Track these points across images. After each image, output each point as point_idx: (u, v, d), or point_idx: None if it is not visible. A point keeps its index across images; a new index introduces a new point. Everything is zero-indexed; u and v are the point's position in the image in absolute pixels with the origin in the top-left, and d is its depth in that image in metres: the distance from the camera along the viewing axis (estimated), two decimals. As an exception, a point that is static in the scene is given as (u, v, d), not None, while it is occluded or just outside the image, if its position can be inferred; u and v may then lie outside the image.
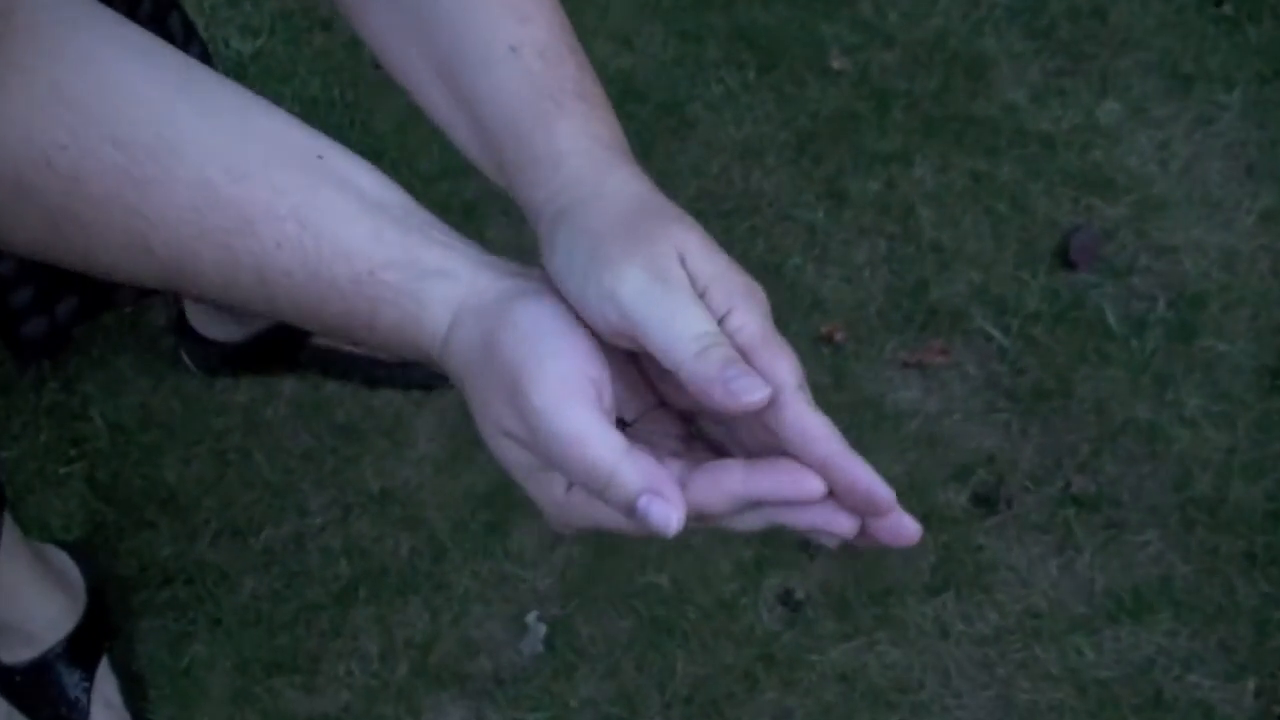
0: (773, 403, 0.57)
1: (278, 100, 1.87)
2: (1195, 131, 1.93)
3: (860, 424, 1.67)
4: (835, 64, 1.99)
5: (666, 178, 1.85)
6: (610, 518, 0.59)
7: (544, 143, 0.67)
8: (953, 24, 2.04)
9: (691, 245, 0.60)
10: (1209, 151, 1.92)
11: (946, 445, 1.67)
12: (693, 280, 0.59)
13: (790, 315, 1.74)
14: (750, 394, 0.56)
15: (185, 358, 1.69)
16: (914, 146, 1.90)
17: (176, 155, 0.59)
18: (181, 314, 1.68)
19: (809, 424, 0.57)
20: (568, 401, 0.57)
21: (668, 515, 0.56)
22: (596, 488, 0.56)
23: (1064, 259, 1.80)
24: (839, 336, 1.73)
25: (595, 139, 0.67)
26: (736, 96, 1.95)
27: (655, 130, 1.91)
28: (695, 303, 0.58)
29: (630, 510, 0.56)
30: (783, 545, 1.60)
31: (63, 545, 1.54)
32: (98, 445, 1.67)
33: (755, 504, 0.58)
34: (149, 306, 1.72)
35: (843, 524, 0.57)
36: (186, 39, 1.40)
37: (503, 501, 1.62)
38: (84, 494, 1.64)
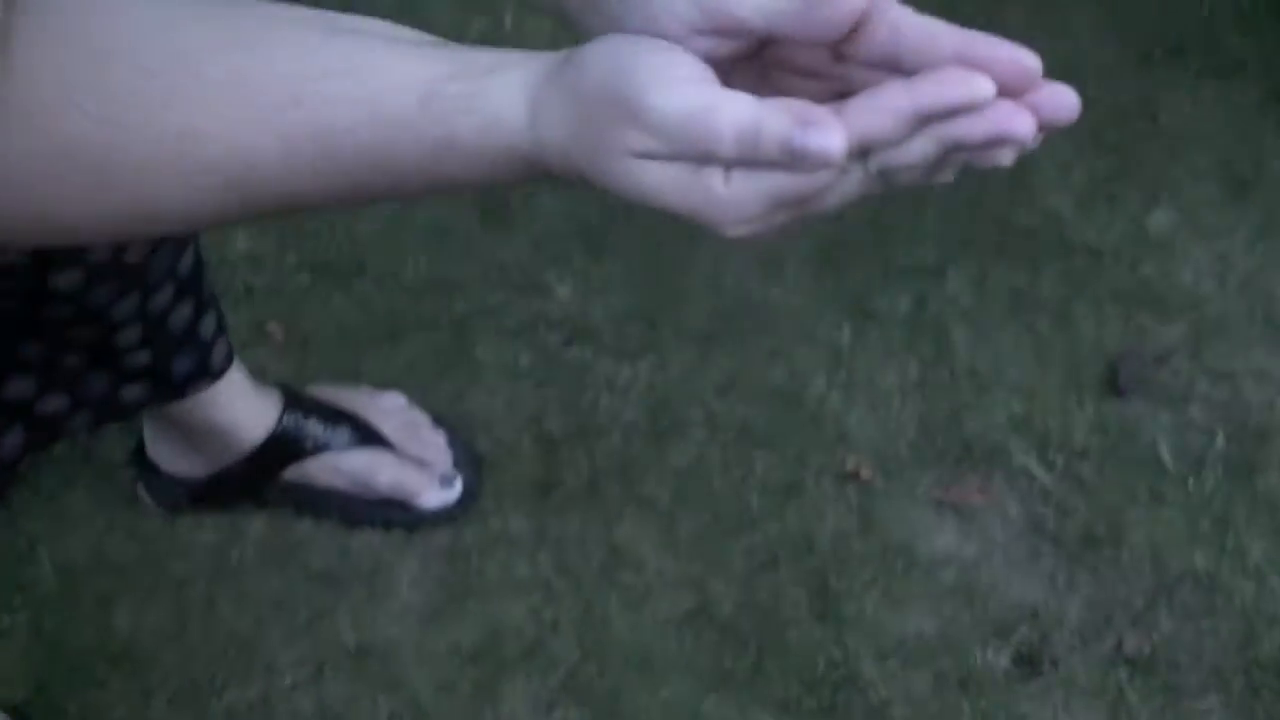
0: (876, 15, 0.58)
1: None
2: (1256, 243, 1.86)
3: (889, 572, 1.59)
4: (861, 166, 1.92)
5: (676, 292, 1.78)
6: (778, 185, 0.57)
7: None
8: (989, 121, 1.97)
9: None
10: (1271, 265, 1.84)
11: (985, 597, 1.58)
12: None
13: (812, 449, 1.66)
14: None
15: (144, 494, 1.61)
16: (948, 258, 1.83)
17: (199, 59, 0.59)
18: (140, 446, 1.60)
19: (924, 22, 0.58)
20: (684, 84, 0.57)
21: (827, 140, 0.55)
22: (749, 149, 0.56)
23: (1113, 385, 1.72)
24: (865, 473, 1.65)
25: None
26: (753, 201, 1.88)
27: (664, 237, 1.84)
28: None
29: (789, 153, 0.55)
30: None
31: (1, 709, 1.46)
32: (44, 591, 1.59)
33: (923, 121, 0.57)
34: (104, 437, 1.64)
35: (1023, 124, 0.57)
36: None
37: (493, 659, 1.54)
38: (27, 647, 1.55)
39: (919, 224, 1.86)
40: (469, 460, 1.62)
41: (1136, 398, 1.72)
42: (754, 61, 0.64)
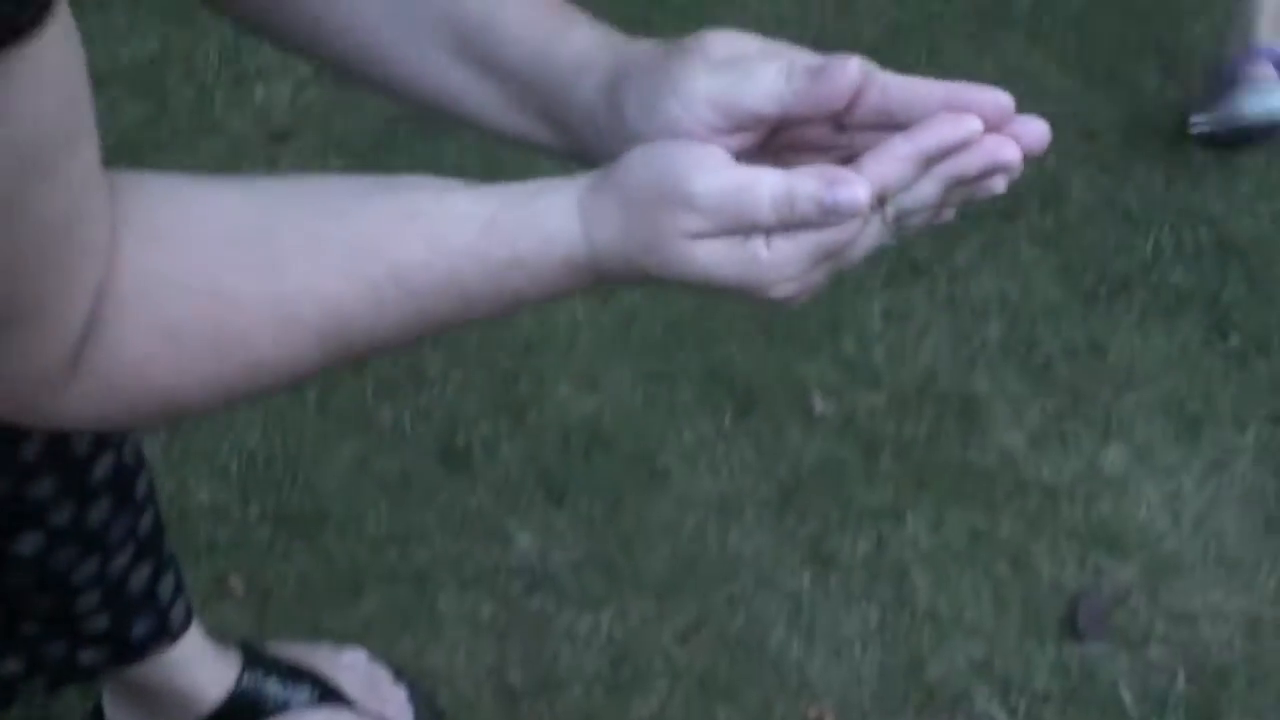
0: (867, 82, 0.68)
1: (213, 452, 1.84)
2: (1208, 480, 1.91)
3: (854, 824, 1.60)
4: (817, 408, 1.97)
5: (636, 538, 1.82)
6: (813, 241, 0.66)
7: (568, 50, 0.77)
8: (942, 361, 2.03)
9: (722, 39, 0.72)
10: (1223, 502, 1.89)
11: None
12: (744, 55, 0.71)
13: (775, 698, 1.67)
14: (846, 65, 0.68)
15: (100, 758, 1.61)
16: (905, 500, 1.87)
17: (285, 232, 0.67)
18: (98, 708, 1.60)
19: (908, 80, 0.68)
20: (721, 168, 0.67)
21: (853, 191, 0.65)
22: (786, 212, 0.65)
23: (1072, 627, 1.75)
24: (828, 722, 1.67)
25: (602, 29, 0.78)
26: (711, 445, 1.93)
27: (623, 483, 1.88)
28: (760, 59, 0.70)
29: (822, 208, 0.65)
30: None
31: None
32: None
33: (928, 163, 0.67)
34: (62, 698, 1.65)
35: (1011, 151, 0.69)
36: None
37: None
38: None
39: (876, 465, 1.91)
40: (430, 716, 1.63)
41: (1096, 639, 1.75)
42: (766, 149, 0.73)
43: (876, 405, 1.98)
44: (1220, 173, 2.30)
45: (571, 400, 1.98)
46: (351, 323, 0.68)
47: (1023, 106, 2.21)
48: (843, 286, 2.13)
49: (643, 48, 0.75)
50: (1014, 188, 2.12)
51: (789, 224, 0.66)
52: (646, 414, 1.97)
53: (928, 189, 0.69)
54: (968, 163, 0.69)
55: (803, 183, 0.66)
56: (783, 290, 0.69)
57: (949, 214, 0.73)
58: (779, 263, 0.68)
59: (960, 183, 0.70)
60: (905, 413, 1.97)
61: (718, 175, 0.67)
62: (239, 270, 0.66)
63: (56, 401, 0.65)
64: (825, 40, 2.50)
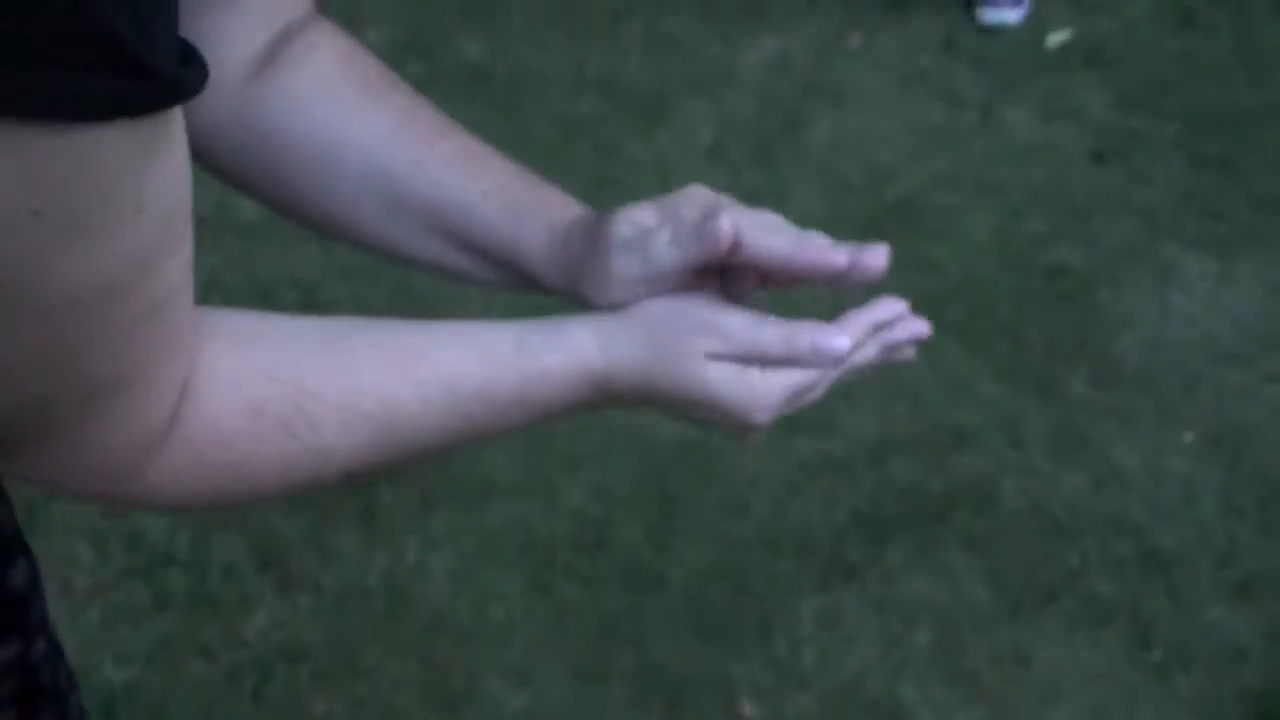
0: (740, 238, 0.83)
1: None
2: (1129, 796, 1.96)
3: None
4: (746, 711, 2.02)
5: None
6: (795, 378, 0.84)
7: (541, 220, 0.91)
8: (871, 665, 2.09)
9: (624, 221, 0.87)
10: (1145, 819, 1.93)
11: None
12: (644, 230, 0.86)
13: None
14: (720, 226, 0.83)
15: None
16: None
17: (352, 336, 0.79)
18: None
19: (766, 241, 0.84)
20: (735, 311, 0.85)
21: (840, 342, 0.84)
22: (789, 350, 0.83)
23: None
24: None
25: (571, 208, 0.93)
26: (641, 746, 1.97)
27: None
28: (655, 231, 0.85)
29: (817, 351, 0.83)
30: None
31: None
32: None
33: (876, 329, 0.88)
34: None
35: (924, 328, 0.91)
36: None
37: None
38: None
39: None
40: None
41: None
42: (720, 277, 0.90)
43: (806, 708, 2.03)
44: (1148, 479, 2.40)
45: (503, 695, 2.02)
46: (403, 420, 0.78)
47: (955, 410, 2.32)
48: (776, 587, 2.21)
49: (580, 239, 0.89)
50: (946, 491, 2.24)
51: (787, 361, 0.84)
52: (577, 711, 2.01)
53: (871, 350, 0.89)
54: (899, 333, 0.90)
55: (803, 331, 0.84)
56: (760, 417, 0.85)
57: (874, 369, 0.92)
58: (767, 391, 0.84)
59: (890, 347, 0.90)
60: (833, 717, 2.02)
61: (740, 313, 0.85)
62: (314, 364, 0.76)
63: (148, 471, 0.71)
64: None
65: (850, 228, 2.90)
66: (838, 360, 0.85)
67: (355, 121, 0.92)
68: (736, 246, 0.84)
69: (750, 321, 0.84)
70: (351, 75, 0.94)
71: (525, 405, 0.82)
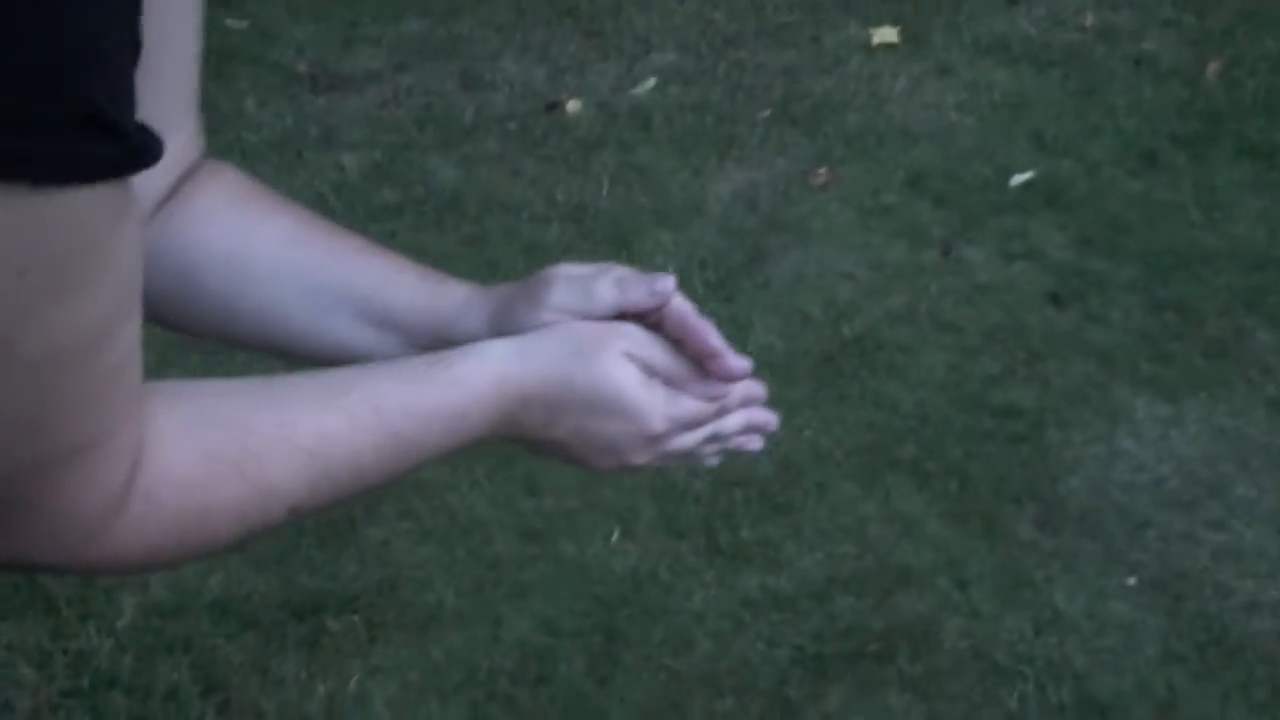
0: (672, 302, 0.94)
1: None
2: None
3: None
4: None
5: None
6: (690, 409, 0.94)
7: (449, 301, 0.98)
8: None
9: (564, 268, 0.96)
10: None
11: None
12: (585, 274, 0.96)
13: None
14: (660, 281, 0.94)
15: None
16: None
17: (283, 378, 0.84)
18: None
19: (688, 321, 0.94)
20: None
21: (742, 362, 0.94)
22: (684, 374, 0.94)
23: None
24: None
25: (468, 283, 1.00)
26: None
27: None
28: (597, 275, 0.95)
29: (721, 364, 0.93)
30: None
31: None
32: None
33: (746, 402, 0.97)
34: None
35: (772, 419, 1.00)
36: None
37: None
38: None
39: None
40: None
41: None
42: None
43: None
44: (1089, 624, 2.43)
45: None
46: (338, 447, 0.83)
47: (901, 549, 2.35)
48: (714, 727, 2.23)
49: (507, 287, 0.97)
50: (888, 631, 2.27)
51: (690, 379, 0.94)
52: None
53: (737, 420, 0.98)
54: (757, 415, 0.99)
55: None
56: (657, 426, 0.93)
57: (713, 461, 1.01)
58: (667, 404, 0.93)
59: (749, 427, 0.99)
60: None
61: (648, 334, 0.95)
62: (249, 406, 0.81)
63: (114, 531, 0.74)
64: (719, 467, 2.67)
65: (808, 363, 2.97)
66: (726, 395, 0.95)
67: (262, 227, 0.98)
68: (667, 309, 0.94)
69: (659, 340, 0.95)
70: (252, 191, 1.00)
71: (449, 417, 0.87)
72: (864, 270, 3.23)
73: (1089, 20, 4.17)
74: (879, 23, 4.17)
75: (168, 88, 0.89)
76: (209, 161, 0.99)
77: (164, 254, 0.96)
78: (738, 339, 3.05)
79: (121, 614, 2.42)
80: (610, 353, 0.92)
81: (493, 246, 3.36)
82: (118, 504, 0.73)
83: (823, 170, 3.55)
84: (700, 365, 0.96)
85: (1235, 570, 2.51)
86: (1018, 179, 3.51)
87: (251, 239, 0.97)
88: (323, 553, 2.54)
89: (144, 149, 0.63)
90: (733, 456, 1.01)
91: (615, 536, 2.56)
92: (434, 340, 0.96)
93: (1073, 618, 2.44)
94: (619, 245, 3.33)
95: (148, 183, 0.99)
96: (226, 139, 3.85)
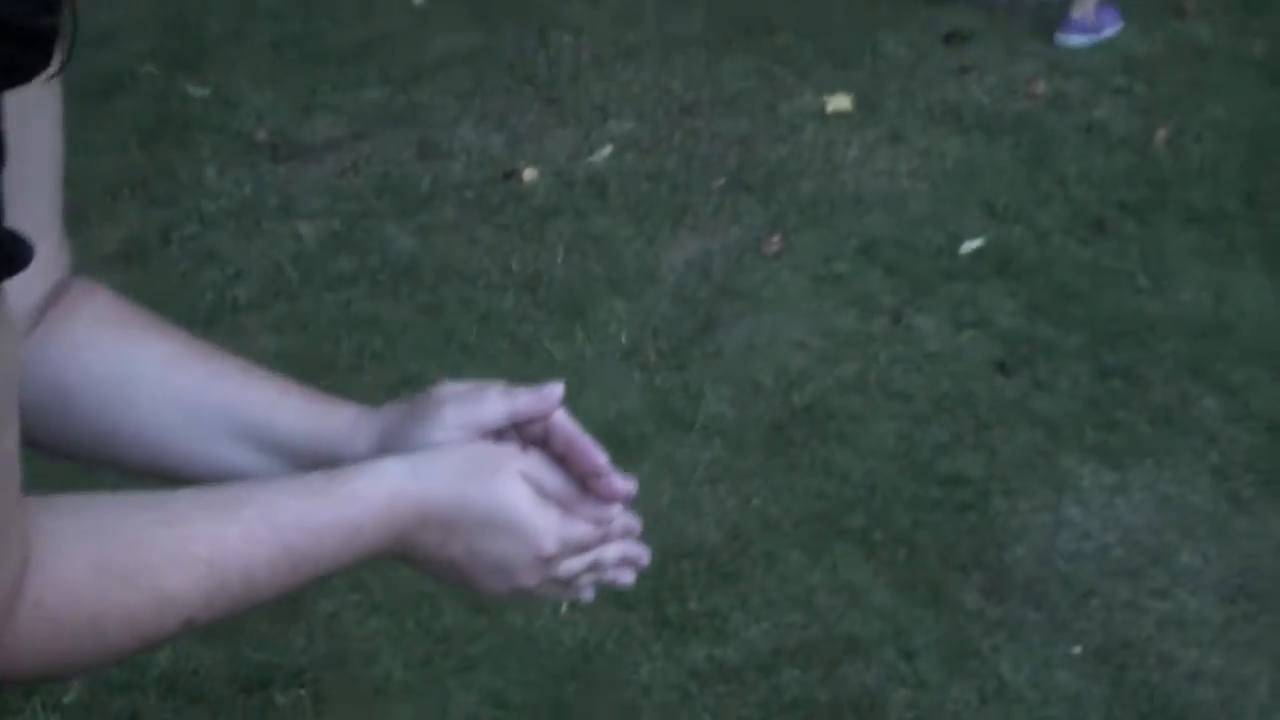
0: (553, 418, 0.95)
1: None
2: None
3: None
4: None
5: None
6: (573, 529, 0.95)
7: (335, 422, 0.98)
8: None
9: (451, 386, 0.96)
10: None
11: None
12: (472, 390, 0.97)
13: None
14: (550, 391, 0.95)
15: None
16: None
17: (175, 493, 0.85)
18: None
19: (575, 439, 0.95)
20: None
21: (628, 485, 0.96)
22: (575, 496, 0.95)
23: None
24: None
25: (355, 405, 1.00)
26: None
27: None
28: (485, 390, 0.96)
29: (608, 486, 0.96)
30: None
31: None
32: None
33: (624, 533, 0.99)
34: None
35: (643, 554, 1.01)
36: None
37: None
38: None
39: None
40: None
41: None
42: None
43: None
44: (1034, 694, 2.45)
45: None
46: (233, 559, 0.83)
47: (848, 620, 2.36)
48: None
49: (395, 408, 0.98)
50: (834, 702, 2.27)
51: (580, 500, 0.96)
52: None
53: (615, 550, 0.99)
54: (632, 549, 1.00)
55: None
56: (548, 547, 0.93)
57: (588, 594, 1.02)
58: (558, 525, 0.94)
59: (623, 560, 1.00)
60: None
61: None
62: (144, 520, 0.82)
63: (4, 640, 0.74)
64: (668, 537, 2.69)
65: (758, 431, 2.99)
66: (619, 499, 0.97)
67: (141, 350, 0.98)
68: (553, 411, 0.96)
69: (552, 464, 0.96)
70: (131, 314, 1.00)
71: (343, 533, 0.88)
72: (815, 338, 3.26)
73: (1040, 88, 4.23)
74: (833, 90, 4.22)
75: (32, 199, 0.90)
76: (81, 281, 0.99)
77: (40, 375, 0.96)
78: (689, 408, 3.09)
79: (68, 690, 2.42)
80: (506, 472, 0.93)
81: (448, 315, 3.38)
82: (5, 612, 0.74)
83: (776, 238, 3.59)
84: (585, 484, 0.97)
85: (1179, 639, 2.53)
86: (968, 246, 3.55)
87: (131, 363, 0.98)
88: (271, 626, 2.54)
89: (15, 254, 0.65)
90: (604, 588, 1.02)
91: (564, 608, 2.57)
92: (320, 463, 0.96)
93: (1018, 687, 2.46)
94: (573, 314, 3.35)
95: (19, 294, 1.00)
96: (185, 207, 3.87)
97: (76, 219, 0.91)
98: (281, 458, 0.98)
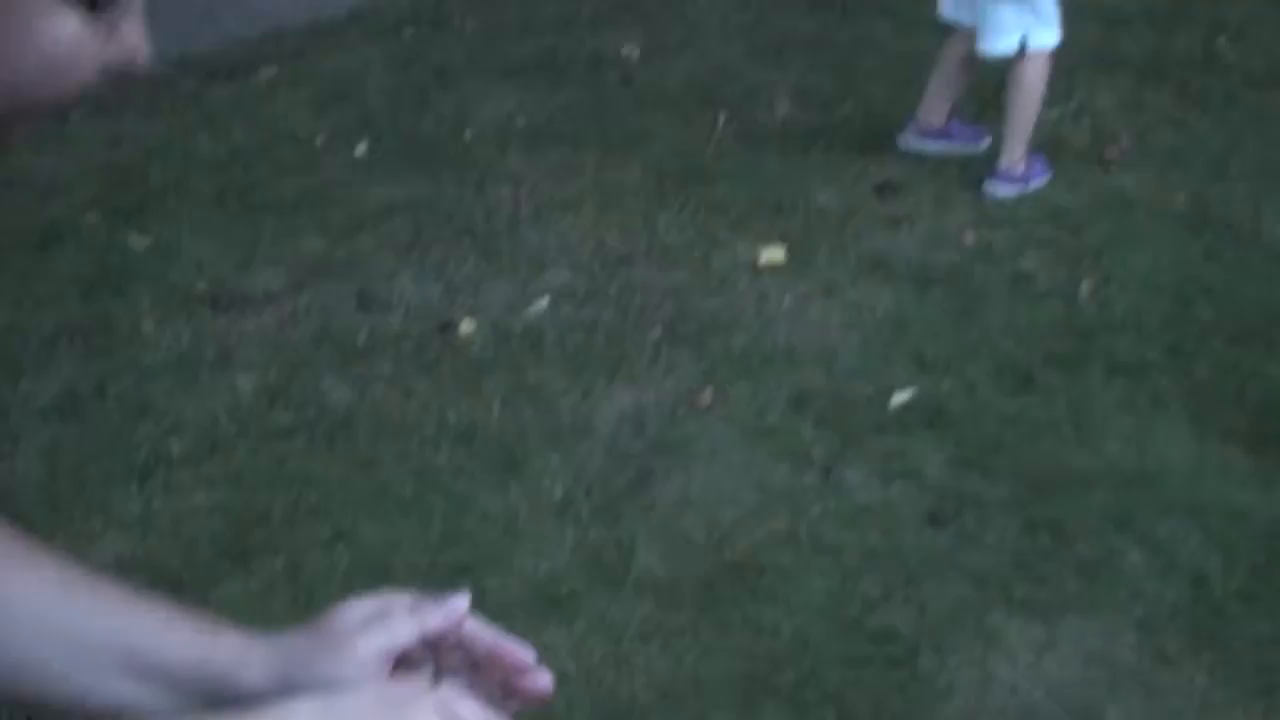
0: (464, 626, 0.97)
1: None
2: None
3: None
4: None
5: None
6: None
7: (223, 652, 0.98)
8: None
9: (351, 610, 0.98)
10: None
11: None
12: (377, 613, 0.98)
13: None
14: (455, 604, 0.97)
15: None
16: None
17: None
18: None
19: (483, 635, 0.98)
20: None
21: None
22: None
23: None
24: None
25: (244, 631, 1.00)
26: None
27: None
28: (389, 611, 0.97)
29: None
30: None
31: None
32: None
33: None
34: None
35: (546, 682, 0.99)
36: None
37: None
38: None
39: None
40: None
41: None
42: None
43: None
44: None
45: None
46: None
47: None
48: None
49: (299, 637, 0.97)
50: None
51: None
52: None
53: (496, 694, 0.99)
54: (528, 684, 1.00)
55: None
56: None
57: None
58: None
59: (513, 693, 1.00)
60: None
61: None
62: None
63: None
64: (601, 697, 2.69)
65: (690, 588, 3.01)
66: (455, 616, 0.97)
67: (23, 575, 0.97)
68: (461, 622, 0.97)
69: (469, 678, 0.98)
70: (13, 539, 0.99)
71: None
72: (747, 492, 3.30)
73: (969, 239, 4.32)
74: (767, 241, 4.30)
75: None
76: None
77: None
78: (621, 564, 3.11)
79: None
80: (420, 711, 0.91)
81: (383, 469, 3.39)
82: None
83: (709, 390, 3.63)
84: (506, 685, 0.98)
85: (1106, 797, 2.55)
86: (898, 398, 3.61)
87: (11, 591, 0.97)
88: None
89: None
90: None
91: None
92: (209, 693, 0.96)
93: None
94: (508, 468, 3.38)
95: None
96: (122, 359, 3.89)
97: (12, 372, 0.92)
98: (169, 687, 0.97)
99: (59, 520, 3.22)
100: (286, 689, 0.95)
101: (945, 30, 4.63)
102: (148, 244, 4.47)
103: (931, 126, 4.74)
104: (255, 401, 3.69)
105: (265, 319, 4.07)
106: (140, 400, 3.72)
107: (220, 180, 4.85)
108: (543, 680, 0.99)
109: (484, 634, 0.98)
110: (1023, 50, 4.38)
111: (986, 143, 4.72)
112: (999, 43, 4.40)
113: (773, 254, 4.23)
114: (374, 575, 2.99)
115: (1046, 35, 4.40)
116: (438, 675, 0.98)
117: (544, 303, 4.06)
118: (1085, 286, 4.06)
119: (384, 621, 0.96)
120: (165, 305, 4.15)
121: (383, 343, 3.91)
